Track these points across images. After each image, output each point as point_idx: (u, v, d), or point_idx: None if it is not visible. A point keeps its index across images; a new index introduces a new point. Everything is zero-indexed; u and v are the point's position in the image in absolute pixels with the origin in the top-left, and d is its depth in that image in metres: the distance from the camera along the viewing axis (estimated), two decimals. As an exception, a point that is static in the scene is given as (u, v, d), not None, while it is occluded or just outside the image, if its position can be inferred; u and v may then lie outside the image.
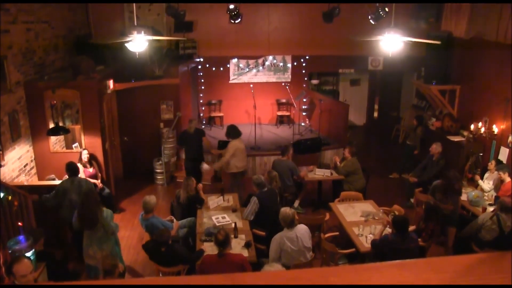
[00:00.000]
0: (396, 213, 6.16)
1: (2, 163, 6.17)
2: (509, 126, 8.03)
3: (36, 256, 4.70)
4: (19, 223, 5.64)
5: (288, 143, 9.21)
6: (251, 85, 11.59)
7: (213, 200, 6.76)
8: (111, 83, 8.24)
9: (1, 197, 5.38)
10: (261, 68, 12.20)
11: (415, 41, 6.40)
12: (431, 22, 10.52)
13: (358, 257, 5.67)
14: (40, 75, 7.48)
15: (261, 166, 9.80)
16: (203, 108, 12.27)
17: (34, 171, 7.27)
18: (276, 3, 11.24)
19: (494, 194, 6.91)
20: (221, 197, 6.85)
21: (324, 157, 10.05)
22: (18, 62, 6.79)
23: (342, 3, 9.80)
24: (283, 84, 12.14)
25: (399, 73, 13.36)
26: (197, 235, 5.82)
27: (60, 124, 7.25)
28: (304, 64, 12.20)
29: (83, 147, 7.52)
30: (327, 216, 6.57)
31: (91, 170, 7.37)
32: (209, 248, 5.33)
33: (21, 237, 4.76)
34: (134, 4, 8.41)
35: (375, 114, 14.43)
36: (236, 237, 5.64)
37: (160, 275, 5.23)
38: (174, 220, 6.11)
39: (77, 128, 7.88)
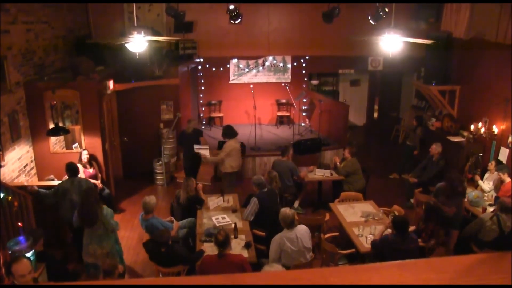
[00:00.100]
0: (396, 213, 6.16)
1: (2, 164, 6.17)
2: (509, 126, 8.03)
3: (36, 257, 4.70)
4: (19, 224, 5.64)
5: (288, 143, 9.21)
6: (251, 86, 11.60)
7: (213, 201, 6.76)
8: (111, 83, 8.25)
9: (1, 197, 5.39)
10: (261, 68, 12.21)
11: (415, 42, 6.41)
12: (431, 22, 10.53)
13: (358, 258, 5.67)
14: (40, 75, 7.48)
15: (261, 166, 9.80)
16: (203, 109, 12.27)
17: (34, 171, 7.27)
18: (276, 3, 11.24)
19: (494, 194, 6.91)
20: (221, 198, 6.85)
21: (324, 158, 10.06)
22: (18, 63, 6.79)
23: (342, 3, 9.81)
24: (283, 84, 12.14)
25: (399, 74, 13.37)
26: (197, 236, 5.82)
27: (60, 124, 7.24)
28: (304, 65, 12.21)
29: (83, 147, 7.52)
30: (327, 217, 6.58)
31: (91, 170, 7.37)
32: (209, 249, 5.33)
33: (21, 238, 4.75)
34: (134, 4, 8.42)
35: (375, 115, 14.43)
36: (236, 237, 5.64)
37: (160, 275, 5.23)
38: (174, 220, 6.11)
39: (77, 128, 7.88)
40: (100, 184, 7.39)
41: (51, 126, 7.08)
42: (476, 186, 7.24)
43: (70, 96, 7.41)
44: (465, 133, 9.05)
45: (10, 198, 5.59)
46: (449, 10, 9.45)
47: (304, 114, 12.53)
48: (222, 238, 4.68)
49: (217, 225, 6.01)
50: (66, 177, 6.29)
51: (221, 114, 12.26)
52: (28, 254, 4.48)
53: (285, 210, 5.17)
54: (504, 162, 7.69)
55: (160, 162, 9.31)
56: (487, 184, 7.16)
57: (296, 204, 7.96)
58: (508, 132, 8.01)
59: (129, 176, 9.75)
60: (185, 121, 9.01)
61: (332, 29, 10.63)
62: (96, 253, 5.29)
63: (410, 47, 7.83)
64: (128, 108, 9.55)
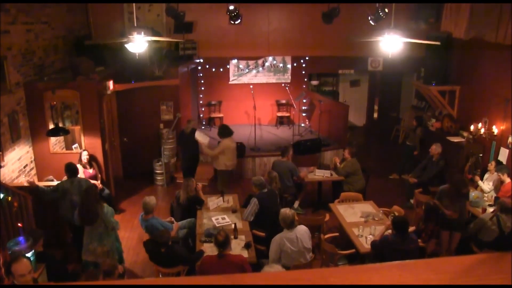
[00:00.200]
0: (396, 213, 6.16)
1: (2, 164, 6.17)
2: (508, 126, 8.04)
3: (36, 257, 4.70)
4: (19, 224, 5.64)
5: (288, 144, 9.22)
6: (251, 86, 11.61)
7: (213, 201, 6.76)
8: (111, 84, 8.24)
9: (1, 198, 5.39)
10: (261, 69, 12.21)
11: (414, 42, 6.41)
12: (430, 22, 10.53)
13: (358, 258, 5.66)
14: (40, 76, 7.48)
15: (261, 167, 9.80)
16: (203, 109, 12.27)
17: (34, 172, 7.27)
18: (276, 3, 11.24)
19: (494, 195, 6.91)
20: (221, 198, 6.85)
21: (324, 158, 10.06)
22: (18, 63, 6.79)
23: (342, 2, 9.81)
24: (283, 85, 12.14)
25: (399, 74, 13.37)
26: (197, 236, 5.82)
27: (60, 125, 7.24)
28: (304, 65, 12.21)
29: (83, 148, 7.51)
30: (327, 217, 6.58)
31: (91, 171, 7.36)
32: (209, 249, 5.33)
33: (21, 238, 4.76)
34: (134, 4, 8.43)
35: (375, 115, 14.43)
36: (236, 238, 5.64)
37: (160, 275, 5.23)
38: (174, 221, 6.12)
39: (77, 129, 7.88)
40: (100, 185, 7.38)
41: (51, 126, 7.08)
42: (476, 186, 7.24)
43: (70, 96, 7.41)
44: (465, 134, 9.05)
45: (10, 198, 5.59)
46: (448, 10, 9.46)
47: (304, 114, 12.53)
48: (222, 239, 4.68)
49: (217, 225, 6.01)
50: (66, 177, 6.30)
51: (221, 115, 12.26)
52: (28, 255, 4.48)
53: (285, 211, 5.17)
54: (504, 162, 7.69)
55: (160, 163, 9.31)
56: (487, 184, 7.16)
57: (296, 204, 7.96)
58: (508, 132, 8.01)
59: (129, 176, 9.75)
60: (185, 122, 9.04)
61: (332, 29, 10.63)
62: (97, 251, 5.32)
63: (410, 47, 7.85)
64: (128, 109, 9.56)
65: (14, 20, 6.67)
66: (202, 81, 12.06)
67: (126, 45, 6.18)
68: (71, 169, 6.27)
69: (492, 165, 7.25)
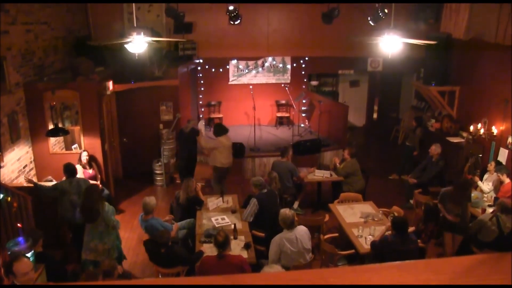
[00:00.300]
0: (396, 214, 6.16)
1: (2, 164, 6.17)
2: (508, 127, 8.04)
3: (36, 257, 4.70)
4: (19, 225, 5.64)
5: (288, 144, 9.22)
6: (251, 86, 11.61)
7: (213, 202, 6.76)
8: (110, 84, 8.24)
9: (1, 198, 5.38)
10: (260, 69, 12.21)
11: (414, 42, 6.41)
12: (430, 23, 10.54)
13: (357, 259, 5.66)
14: (40, 76, 7.48)
15: (261, 167, 9.79)
16: (203, 109, 12.27)
17: (33, 172, 7.26)
18: (276, 3, 11.24)
19: (494, 195, 6.91)
20: (221, 199, 6.85)
21: (324, 158, 10.06)
22: (18, 63, 6.79)
23: (342, 2, 9.82)
24: (282, 85, 12.14)
25: (399, 74, 13.38)
26: (196, 237, 5.81)
27: (60, 125, 7.24)
28: (303, 65, 12.21)
29: (83, 148, 7.51)
30: (327, 217, 6.57)
31: (90, 171, 7.36)
32: (209, 250, 5.33)
33: (20, 239, 4.76)
34: (133, 5, 8.41)
35: (375, 115, 14.44)
36: (235, 238, 5.64)
37: (160, 276, 5.23)
38: (173, 220, 6.12)
39: (77, 129, 7.88)
40: (100, 185, 7.38)
41: (51, 127, 7.08)
42: (475, 187, 7.24)
43: (69, 96, 7.41)
44: (465, 134, 9.06)
45: (9, 199, 5.59)
46: (448, 11, 9.47)
47: (303, 115, 12.53)
48: (221, 239, 4.68)
49: (217, 226, 6.01)
50: (65, 178, 6.30)
51: (220, 115, 12.26)
52: (28, 255, 4.48)
53: (285, 211, 5.17)
54: (504, 163, 7.69)
55: (159, 163, 9.31)
56: (486, 185, 7.16)
57: (296, 205, 7.96)
58: (507, 133, 8.02)
59: (128, 177, 9.75)
60: (185, 122, 9.06)
61: (332, 30, 10.65)
62: (98, 249, 5.35)
63: (410, 48, 7.84)
64: (127, 109, 9.55)
65: (14, 21, 6.67)
66: (202, 82, 12.06)
67: (126, 46, 6.18)
68: (69, 170, 6.28)
69: (491, 166, 7.25)
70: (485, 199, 6.89)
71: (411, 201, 7.92)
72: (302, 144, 9.63)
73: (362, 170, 7.91)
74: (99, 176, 7.57)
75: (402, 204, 7.62)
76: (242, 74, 12.21)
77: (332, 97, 12.96)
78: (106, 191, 7.51)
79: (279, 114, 12.47)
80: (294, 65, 12.23)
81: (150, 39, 6.27)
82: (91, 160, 7.50)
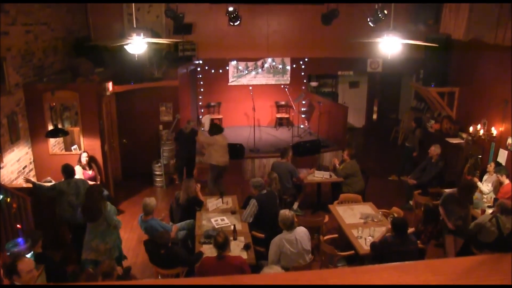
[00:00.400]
0: (395, 215, 6.16)
1: (1, 165, 6.17)
2: (508, 128, 8.05)
3: (35, 258, 4.69)
4: (18, 225, 5.64)
5: (288, 145, 9.23)
6: (250, 87, 11.62)
7: (212, 202, 6.75)
8: (110, 85, 8.24)
9: (0, 199, 5.38)
10: (260, 70, 12.21)
11: (414, 44, 6.42)
12: (430, 24, 10.55)
13: (357, 259, 5.66)
14: (39, 77, 7.48)
15: (260, 168, 9.79)
16: (202, 110, 12.27)
17: (33, 173, 7.26)
18: (275, 3, 11.25)
19: (493, 196, 6.91)
20: (220, 199, 6.85)
21: (323, 159, 10.06)
22: (17, 64, 6.79)
23: (342, 2, 9.82)
24: (282, 86, 12.15)
25: (398, 75, 13.39)
26: (196, 237, 5.81)
27: (59, 126, 7.24)
28: (303, 66, 12.22)
29: (82, 149, 7.51)
30: (326, 218, 6.57)
31: (90, 172, 7.36)
32: (208, 251, 5.32)
33: (20, 239, 4.75)
34: (133, 6, 8.42)
35: (374, 116, 14.45)
36: (235, 239, 5.63)
37: (159, 277, 5.23)
38: (171, 223, 6.13)
39: (76, 130, 7.88)
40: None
41: (50, 127, 7.08)
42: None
43: (69, 97, 7.41)
44: (464, 135, 9.06)
45: (9, 199, 5.58)
46: (448, 12, 9.47)
47: (303, 116, 12.53)
48: (221, 240, 4.67)
49: (216, 227, 6.00)
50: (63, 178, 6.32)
51: (220, 116, 12.26)
52: (27, 256, 4.48)
53: (285, 212, 5.17)
54: (503, 163, 7.69)
55: (159, 164, 9.31)
56: (486, 185, 7.16)
57: (295, 206, 7.96)
58: (507, 134, 8.02)
59: (128, 177, 9.74)
60: (184, 123, 9.10)
61: (331, 31, 10.66)
62: (99, 248, 5.38)
63: (409, 49, 7.86)
64: (127, 110, 9.55)
65: (14, 21, 6.67)
66: (202, 83, 12.06)
67: (125, 47, 6.18)
68: (68, 170, 6.29)
69: (491, 167, 7.25)
70: (484, 200, 6.90)
71: (411, 202, 7.92)
72: (301, 145, 9.63)
73: (361, 171, 7.91)
74: (99, 177, 7.57)
75: (402, 205, 7.62)
76: (241, 75, 12.21)
77: (332, 98, 12.98)
78: (105, 192, 7.50)
79: (278, 115, 12.47)
80: (294, 66, 12.24)
81: (149, 40, 6.27)
82: (91, 161, 7.49)
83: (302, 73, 12.29)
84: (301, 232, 5.19)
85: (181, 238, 6.13)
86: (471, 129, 8.76)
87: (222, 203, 6.80)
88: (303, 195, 8.16)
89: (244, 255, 5.26)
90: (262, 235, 5.97)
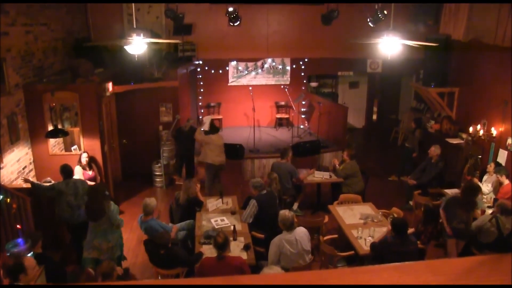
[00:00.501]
0: (395, 215, 6.16)
1: (1, 166, 6.17)
2: (507, 128, 8.05)
3: (35, 259, 4.69)
4: (18, 226, 5.64)
5: (287, 146, 9.23)
6: (250, 88, 11.62)
7: (212, 203, 6.75)
8: (110, 85, 8.24)
9: (0, 199, 5.38)
10: (260, 70, 12.21)
11: (413, 44, 6.42)
12: (429, 24, 10.56)
13: (357, 260, 5.66)
14: (39, 77, 7.47)
15: (260, 168, 9.79)
16: (202, 111, 12.27)
17: (32, 173, 7.25)
18: (275, 4, 11.26)
19: (493, 196, 6.91)
20: (220, 200, 6.85)
21: (323, 160, 10.06)
22: (17, 65, 6.79)
23: (341, 2, 9.82)
24: (282, 86, 12.15)
25: (398, 76, 13.39)
26: (196, 238, 5.81)
27: (59, 126, 7.23)
28: (303, 67, 12.22)
29: (82, 149, 7.51)
30: (326, 219, 6.57)
31: (90, 173, 7.35)
32: (208, 251, 5.32)
33: (20, 240, 4.75)
34: (133, 6, 8.42)
35: (374, 117, 14.45)
36: (235, 239, 5.63)
37: (159, 277, 5.23)
38: (170, 224, 6.13)
39: (76, 130, 7.87)
40: (99, 186, 7.39)
41: (50, 128, 7.08)
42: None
43: (69, 98, 7.40)
44: (464, 135, 9.06)
45: (8, 200, 5.58)
46: (447, 12, 9.48)
47: (303, 116, 12.53)
48: (221, 241, 4.67)
49: (216, 227, 6.00)
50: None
51: (220, 116, 12.27)
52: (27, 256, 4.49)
53: (285, 212, 5.17)
54: (503, 164, 7.69)
55: (159, 164, 9.31)
56: (485, 186, 7.16)
57: (295, 206, 7.96)
58: (507, 134, 8.02)
59: (128, 178, 9.75)
60: (184, 123, 9.13)
61: (331, 31, 10.67)
62: (102, 247, 5.41)
63: (409, 49, 7.85)
64: (127, 110, 9.56)
65: (14, 22, 6.67)
66: (201, 83, 12.07)
67: (125, 47, 6.18)
68: (66, 171, 6.30)
69: (491, 167, 7.25)
70: (484, 200, 6.89)
71: (411, 202, 7.92)
72: (301, 145, 9.63)
73: (361, 172, 7.91)
74: (99, 177, 7.56)
75: (402, 205, 7.62)
76: (241, 75, 12.21)
77: (332, 98, 12.98)
78: (106, 192, 7.51)
79: (278, 116, 12.48)
80: (294, 66, 12.24)
81: (149, 40, 6.27)
82: (91, 161, 7.49)
83: (302, 74, 12.30)
84: (301, 232, 5.19)
85: (181, 239, 6.13)
86: (471, 129, 8.76)
87: (222, 203, 6.80)
88: (303, 196, 8.16)
89: (244, 256, 5.26)
90: (262, 236, 5.97)
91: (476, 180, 7.32)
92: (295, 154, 8.99)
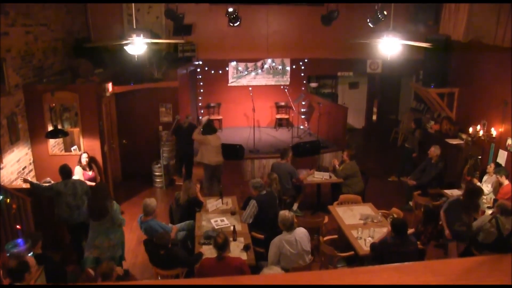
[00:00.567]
0: (395, 216, 6.16)
1: (1, 166, 6.17)
2: (507, 129, 8.05)
3: (35, 259, 4.69)
4: (18, 226, 5.63)
5: (287, 146, 9.22)
6: (250, 88, 11.62)
7: (212, 203, 6.75)
8: (110, 86, 8.24)
9: (0, 200, 5.38)
10: (260, 71, 12.21)
11: (413, 44, 6.42)
12: (429, 25, 10.56)
13: (357, 260, 5.66)
14: (39, 78, 7.47)
15: (260, 169, 9.79)
16: (202, 111, 12.27)
17: (32, 174, 7.25)
18: (276, 4, 11.26)
19: (493, 197, 6.92)
20: (220, 200, 6.85)
21: (323, 160, 10.06)
22: (17, 65, 6.79)
23: (341, 3, 9.83)
24: (282, 87, 12.15)
25: (398, 76, 13.39)
26: (196, 238, 5.81)
27: (59, 127, 7.23)
28: (303, 67, 12.22)
29: (82, 150, 7.51)
30: (326, 219, 6.57)
31: (90, 173, 7.35)
32: (208, 251, 5.32)
33: (20, 240, 4.75)
34: (133, 6, 8.41)
35: (374, 117, 14.45)
36: (235, 240, 5.63)
37: (159, 278, 5.23)
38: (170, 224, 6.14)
39: (76, 131, 7.87)
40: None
41: (50, 128, 7.08)
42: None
43: (69, 98, 7.40)
44: (464, 136, 9.06)
45: (8, 200, 5.58)
46: (447, 12, 9.48)
47: (303, 116, 12.53)
48: (221, 241, 4.67)
49: (216, 227, 6.00)
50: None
51: (220, 117, 12.26)
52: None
53: (284, 213, 5.17)
54: (503, 164, 7.70)
55: (159, 165, 9.31)
56: (485, 186, 7.16)
57: (295, 206, 7.96)
58: (507, 134, 8.03)
59: (128, 178, 9.75)
60: (183, 119, 9.20)
61: (331, 32, 10.68)
62: (103, 245, 5.43)
63: (409, 49, 7.86)
64: (127, 111, 9.56)
65: (14, 22, 6.67)
66: (201, 83, 12.07)
67: (125, 47, 6.18)
68: (65, 171, 6.30)
69: (491, 167, 7.25)
70: (484, 201, 6.89)
71: (411, 203, 7.92)
72: (301, 146, 9.63)
73: (361, 172, 7.90)
74: (99, 177, 7.56)
75: (402, 206, 7.62)
76: (241, 76, 12.21)
77: (332, 99, 12.98)
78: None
79: (278, 116, 12.48)
80: (294, 67, 12.24)
81: (149, 40, 6.27)
82: (91, 161, 7.49)
83: (302, 74, 12.30)
84: (300, 233, 5.19)
85: (181, 239, 6.13)
86: (470, 130, 8.76)
87: (222, 204, 6.80)
88: (303, 196, 8.16)
89: (244, 256, 5.26)
90: (262, 236, 5.97)
91: (476, 180, 7.32)
92: (295, 154, 8.99)
